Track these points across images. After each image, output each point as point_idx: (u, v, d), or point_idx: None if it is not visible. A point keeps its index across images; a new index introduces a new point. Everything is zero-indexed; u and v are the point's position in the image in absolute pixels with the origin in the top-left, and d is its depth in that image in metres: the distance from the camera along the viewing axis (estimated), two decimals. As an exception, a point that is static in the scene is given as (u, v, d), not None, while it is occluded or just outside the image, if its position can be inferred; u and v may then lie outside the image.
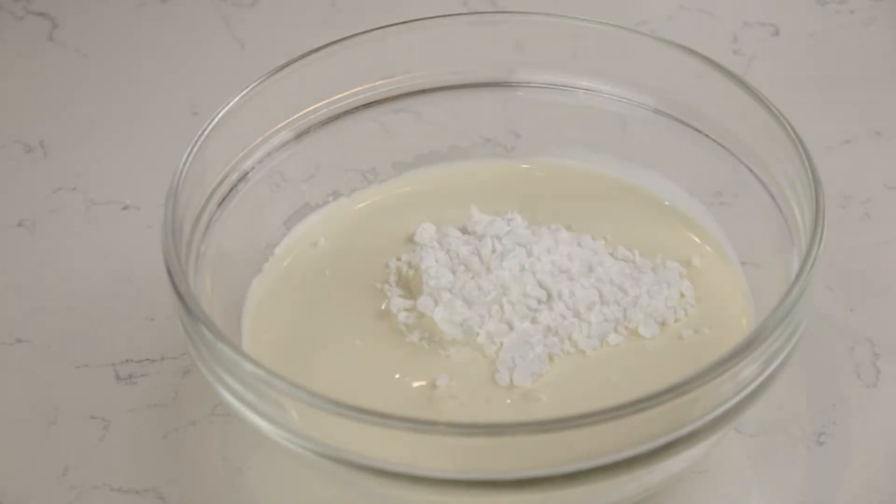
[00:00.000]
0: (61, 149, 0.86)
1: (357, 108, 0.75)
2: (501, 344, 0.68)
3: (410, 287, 0.71)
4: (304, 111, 0.74)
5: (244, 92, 0.71)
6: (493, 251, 0.70)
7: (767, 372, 0.61)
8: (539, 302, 0.68)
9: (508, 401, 0.66)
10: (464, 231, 0.72)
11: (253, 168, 0.73)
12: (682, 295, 0.70)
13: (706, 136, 0.72)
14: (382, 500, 0.65)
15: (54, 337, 0.75)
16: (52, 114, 0.88)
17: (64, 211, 0.82)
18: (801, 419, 0.70)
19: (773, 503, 0.68)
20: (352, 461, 0.59)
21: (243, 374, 0.60)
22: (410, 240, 0.73)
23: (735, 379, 0.60)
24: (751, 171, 0.71)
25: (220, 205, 0.70)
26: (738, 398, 0.61)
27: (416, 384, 0.67)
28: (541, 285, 0.69)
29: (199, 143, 0.68)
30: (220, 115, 0.69)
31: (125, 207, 0.82)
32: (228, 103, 0.70)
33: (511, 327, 0.68)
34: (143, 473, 0.69)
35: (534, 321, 0.68)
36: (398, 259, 0.72)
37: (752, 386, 0.61)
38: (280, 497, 0.68)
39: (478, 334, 0.68)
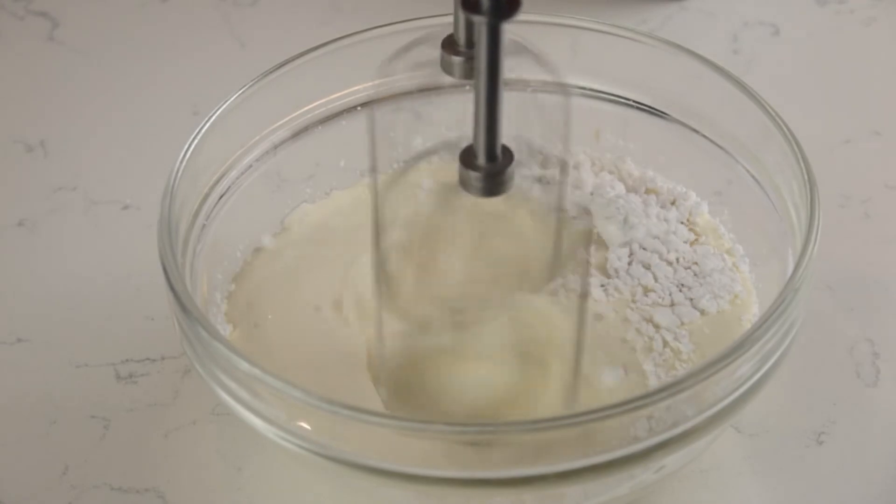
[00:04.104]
0: (61, 149, 0.86)
1: (355, 107, 0.75)
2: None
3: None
4: (303, 110, 0.74)
5: (242, 90, 0.71)
6: None
7: (763, 370, 0.61)
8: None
9: None
10: None
11: (251, 166, 0.73)
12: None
13: (704, 136, 0.73)
14: (381, 499, 0.65)
15: (54, 337, 0.75)
16: (52, 114, 0.88)
17: (64, 211, 0.82)
18: (801, 419, 0.70)
19: (773, 503, 0.68)
20: (347, 459, 0.59)
21: (238, 372, 0.61)
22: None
23: (730, 377, 0.60)
24: (748, 171, 0.71)
25: (217, 203, 0.71)
26: (733, 396, 0.61)
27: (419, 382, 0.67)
28: None
29: (195, 141, 0.68)
30: (217, 113, 0.70)
31: (125, 207, 0.82)
32: (226, 101, 0.70)
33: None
34: (143, 473, 0.69)
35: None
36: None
37: (748, 384, 0.61)
38: (280, 497, 0.68)
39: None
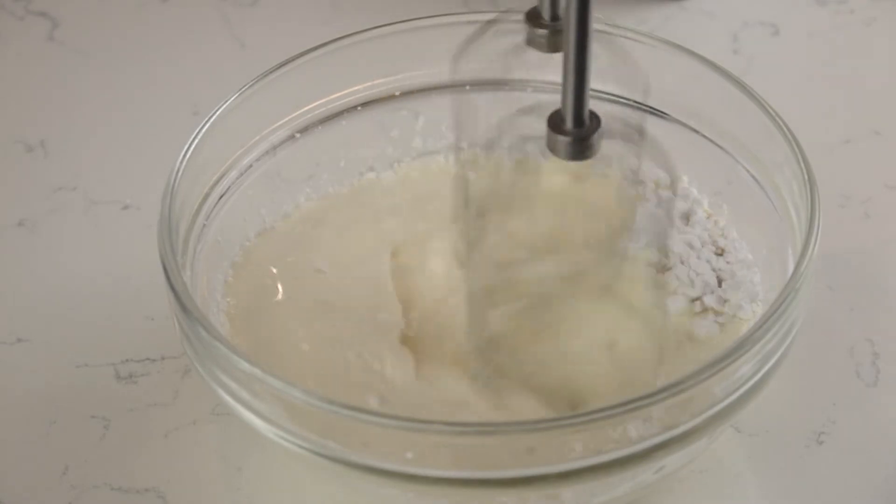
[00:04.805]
0: (61, 149, 0.86)
1: (356, 108, 0.75)
2: None
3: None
4: (303, 110, 0.74)
5: (242, 90, 0.71)
6: None
7: (763, 370, 0.61)
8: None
9: None
10: None
11: (251, 166, 0.73)
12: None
13: (704, 136, 0.73)
14: (381, 499, 0.65)
15: (54, 337, 0.75)
16: (52, 114, 0.88)
17: (64, 211, 0.82)
18: (801, 419, 0.70)
19: (773, 503, 0.68)
20: (347, 459, 0.60)
21: (238, 372, 0.61)
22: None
23: (730, 377, 0.60)
24: (748, 171, 0.71)
25: (217, 203, 0.71)
26: (733, 396, 0.61)
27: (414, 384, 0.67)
28: None
29: (195, 141, 0.68)
30: (217, 112, 0.70)
31: (125, 207, 0.82)
32: (226, 101, 0.70)
33: None
34: (143, 473, 0.69)
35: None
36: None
37: (748, 384, 0.61)
38: (280, 497, 0.68)
39: None
